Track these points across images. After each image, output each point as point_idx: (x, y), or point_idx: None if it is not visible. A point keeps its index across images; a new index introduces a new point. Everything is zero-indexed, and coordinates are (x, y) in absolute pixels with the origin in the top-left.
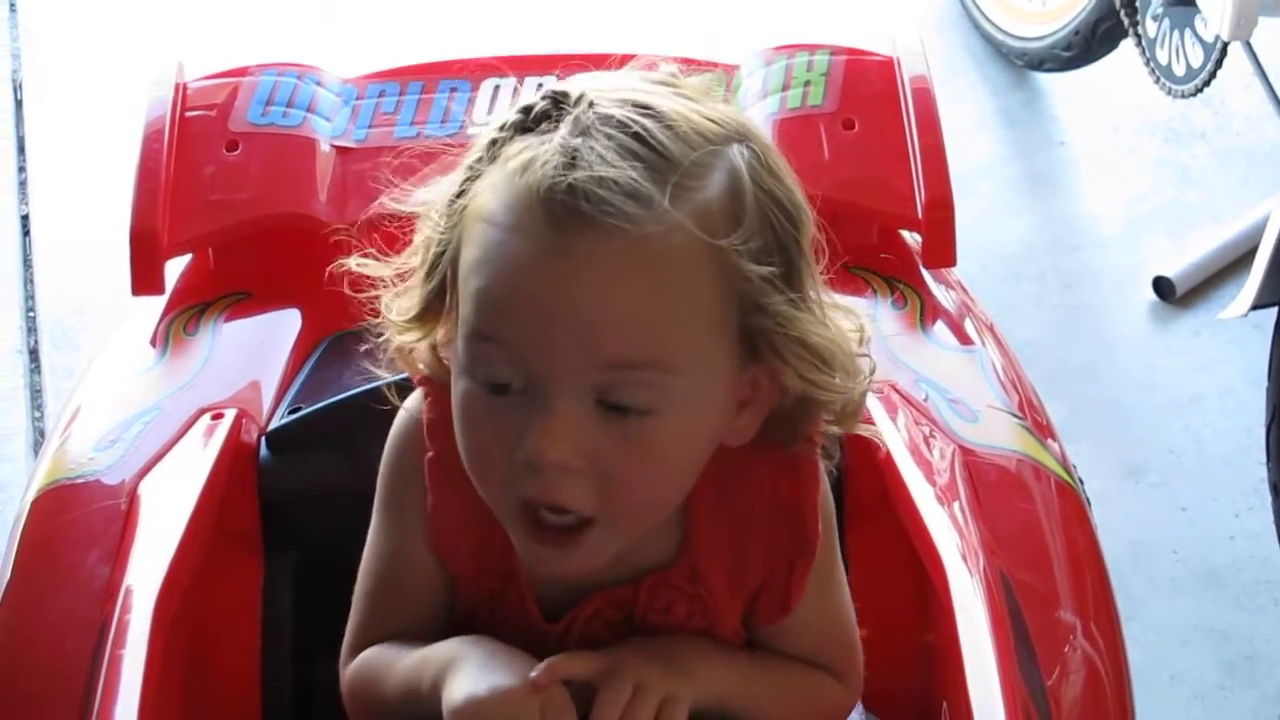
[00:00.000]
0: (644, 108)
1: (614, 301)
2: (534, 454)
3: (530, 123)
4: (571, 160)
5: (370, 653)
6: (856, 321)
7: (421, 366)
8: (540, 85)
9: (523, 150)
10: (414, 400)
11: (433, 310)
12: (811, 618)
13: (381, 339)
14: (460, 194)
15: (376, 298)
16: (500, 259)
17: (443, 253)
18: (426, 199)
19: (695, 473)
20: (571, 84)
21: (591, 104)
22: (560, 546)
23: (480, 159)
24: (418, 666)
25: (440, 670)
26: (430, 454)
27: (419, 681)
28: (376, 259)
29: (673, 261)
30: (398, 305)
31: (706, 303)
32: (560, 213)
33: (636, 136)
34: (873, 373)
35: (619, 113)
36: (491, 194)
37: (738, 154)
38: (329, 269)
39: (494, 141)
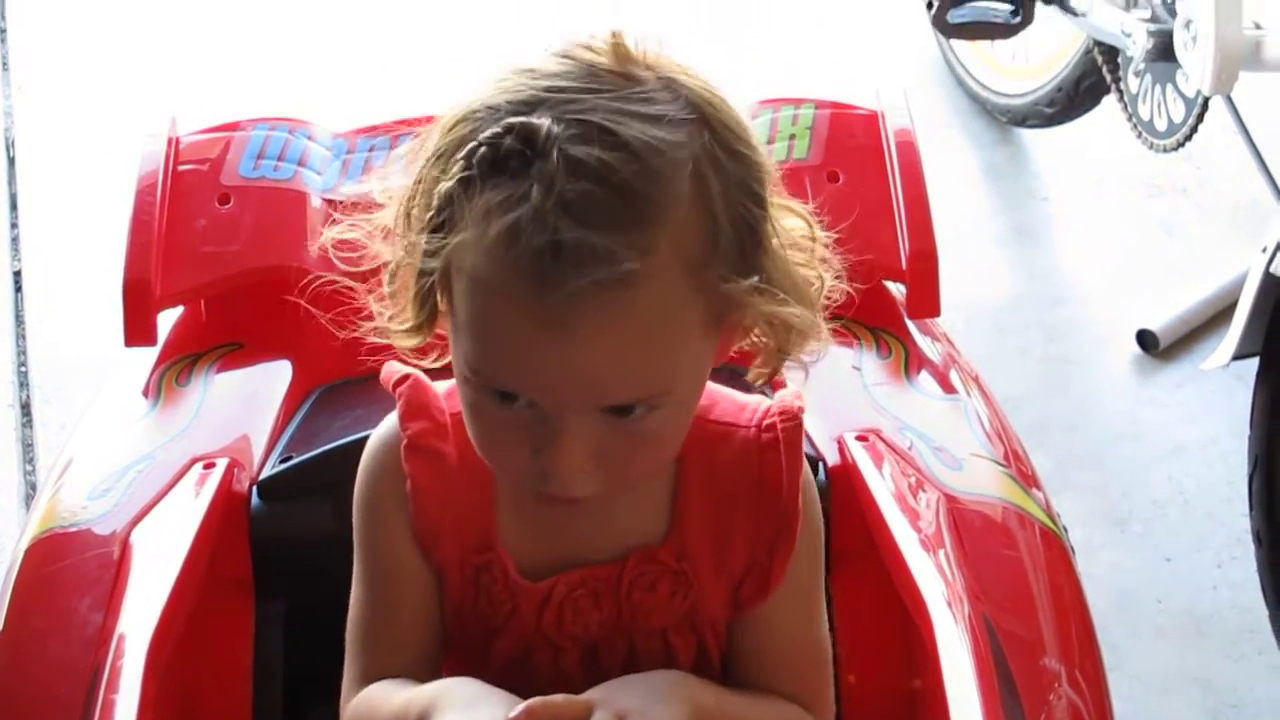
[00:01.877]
0: (609, 140)
1: (612, 353)
2: (550, 469)
3: (500, 162)
4: (556, 247)
5: (364, 693)
6: (804, 226)
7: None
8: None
9: (502, 205)
10: (382, 426)
11: (426, 325)
12: (787, 624)
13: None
14: (438, 229)
15: (360, 338)
16: (496, 326)
17: (430, 282)
18: (383, 218)
19: (689, 424)
20: (535, 114)
21: (559, 149)
22: (569, 504)
23: (453, 195)
24: (402, 709)
25: (427, 707)
26: (405, 440)
27: (405, 718)
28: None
29: (662, 306)
30: (392, 315)
31: (693, 320)
32: (552, 291)
33: (611, 188)
34: (824, 285)
35: (587, 156)
36: (478, 255)
37: (700, 153)
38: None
39: (465, 180)
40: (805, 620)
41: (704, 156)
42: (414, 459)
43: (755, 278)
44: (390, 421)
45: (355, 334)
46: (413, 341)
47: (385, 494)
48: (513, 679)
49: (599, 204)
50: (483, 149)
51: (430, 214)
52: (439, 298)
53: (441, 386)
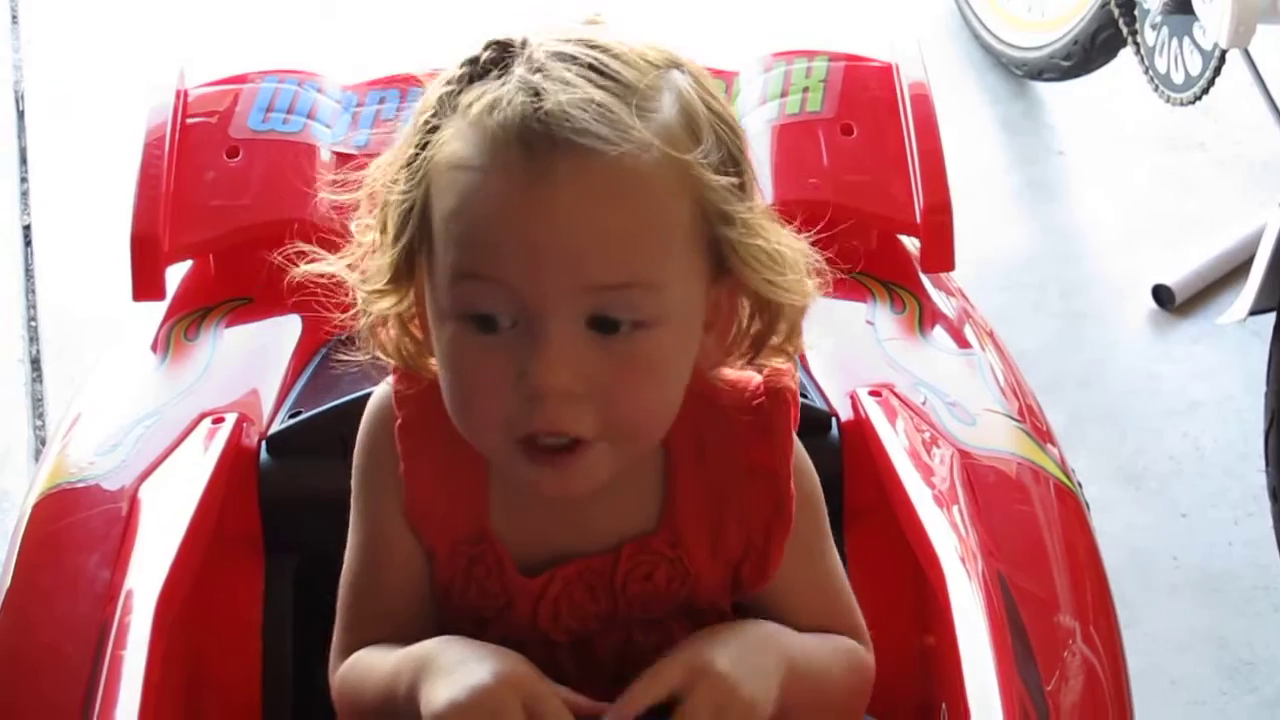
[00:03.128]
0: (587, 42)
1: (597, 223)
2: (536, 384)
3: (479, 71)
4: (537, 93)
5: (353, 659)
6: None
7: (391, 352)
8: None
9: (483, 94)
10: (382, 387)
11: (403, 273)
12: (805, 586)
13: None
14: (419, 151)
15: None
16: (480, 199)
17: (409, 210)
18: (370, 174)
19: (682, 389)
20: (510, 32)
21: (538, 47)
22: (561, 467)
23: (433, 114)
24: (393, 672)
25: (415, 674)
26: (399, 421)
27: (395, 688)
28: (321, 257)
29: (648, 180)
30: (368, 274)
31: (680, 217)
32: (537, 142)
33: (591, 66)
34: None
35: (566, 49)
36: (459, 141)
37: (679, 77)
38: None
39: (446, 95)
40: (820, 576)
41: (683, 81)
42: (408, 440)
43: (737, 181)
44: (386, 391)
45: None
46: (388, 302)
47: (380, 466)
48: None
49: (581, 79)
50: (462, 67)
51: (410, 150)
52: (416, 232)
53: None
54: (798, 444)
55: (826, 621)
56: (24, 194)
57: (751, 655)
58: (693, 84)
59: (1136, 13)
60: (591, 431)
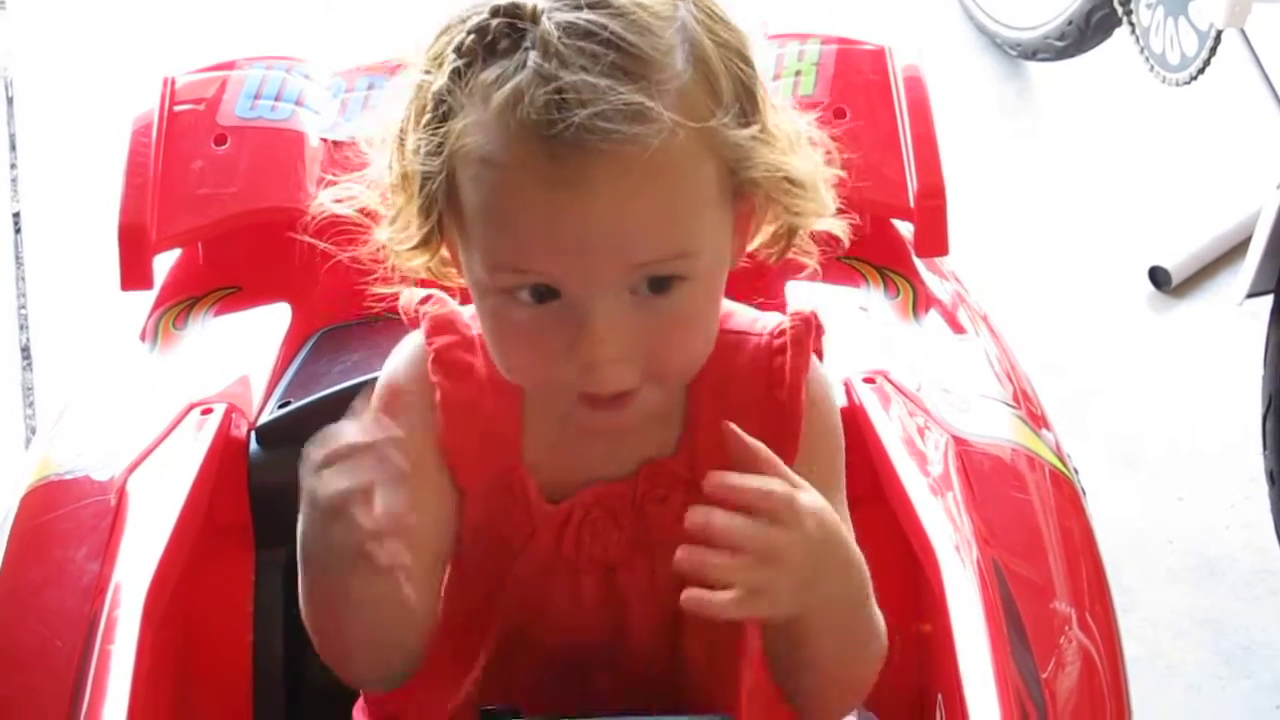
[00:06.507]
0: (596, 5)
1: (634, 215)
2: (587, 357)
3: (490, 44)
4: (559, 93)
5: None
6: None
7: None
8: None
9: (499, 79)
10: (407, 344)
11: (434, 236)
12: None
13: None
14: (437, 124)
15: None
16: (511, 201)
17: (434, 187)
18: (373, 132)
19: (717, 325)
20: None
21: (547, 17)
22: (614, 409)
23: (448, 89)
24: None
25: None
26: (433, 355)
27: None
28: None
29: (677, 161)
30: (393, 236)
31: (709, 180)
32: (565, 151)
33: (607, 44)
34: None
35: (580, 21)
36: (482, 134)
37: (689, 17)
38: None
39: (458, 71)
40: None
41: (690, 19)
42: (442, 371)
43: (757, 127)
44: (413, 340)
45: (359, 278)
46: (420, 259)
47: (411, 403)
48: (529, 601)
49: (596, 56)
50: (471, 36)
51: (427, 116)
52: (444, 207)
53: (465, 310)
54: (822, 378)
55: None
56: (13, 181)
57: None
58: (702, 18)
59: None
60: (639, 381)
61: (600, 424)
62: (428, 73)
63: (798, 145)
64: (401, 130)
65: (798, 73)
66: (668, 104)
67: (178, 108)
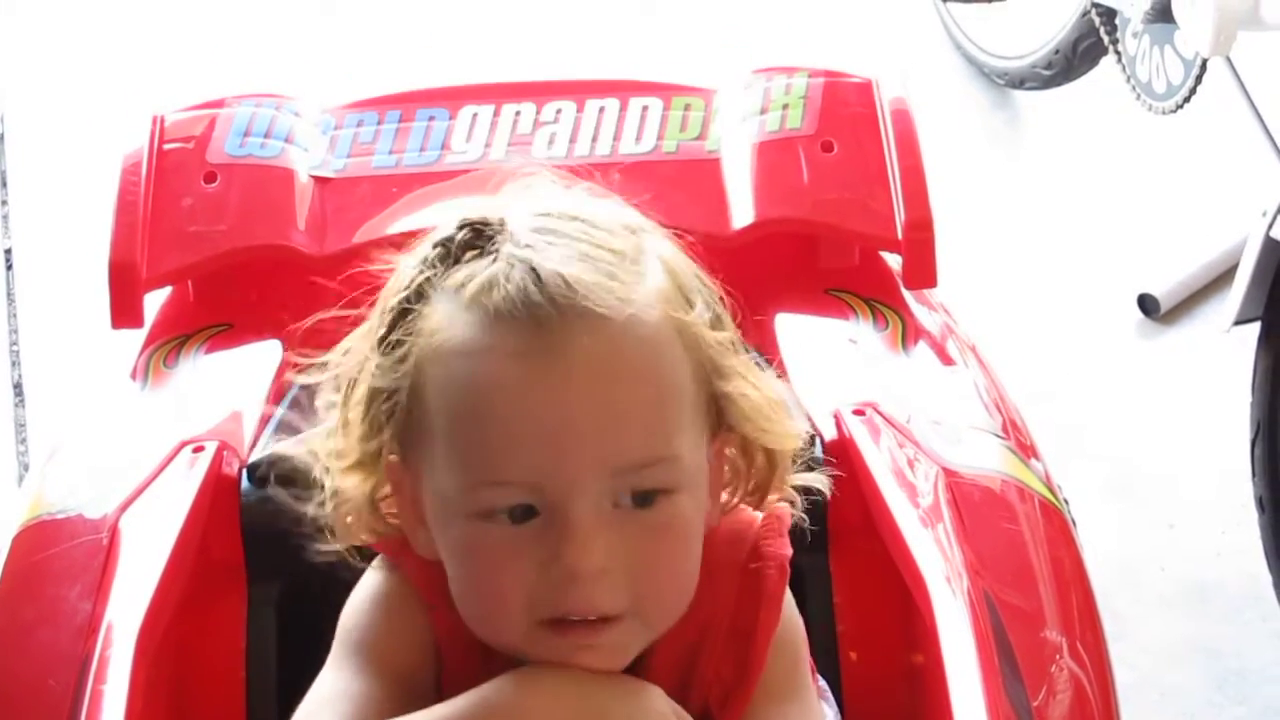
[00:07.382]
0: (566, 215)
1: (614, 398)
2: (570, 568)
3: (455, 253)
4: (534, 267)
5: None
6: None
7: (364, 536)
8: (518, 113)
9: (472, 274)
10: (380, 572)
11: (372, 456)
12: None
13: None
14: (403, 335)
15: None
16: (487, 395)
17: (392, 400)
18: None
19: (701, 551)
20: (482, 210)
21: (518, 220)
22: (593, 637)
23: (412, 299)
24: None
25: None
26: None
27: None
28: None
29: (654, 345)
30: (333, 448)
31: (686, 380)
32: (545, 316)
33: (578, 238)
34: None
35: (548, 223)
36: (457, 325)
37: (655, 241)
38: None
39: (426, 280)
40: (789, 714)
41: (659, 241)
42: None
43: (728, 336)
44: (381, 565)
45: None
46: (353, 479)
47: (403, 627)
48: None
49: (571, 242)
50: (437, 249)
51: (388, 331)
52: (401, 431)
53: None
54: (787, 608)
55: None
56: (4, 217)
57: None
58: (668, 246)
59: (1118, 21)
60: (623, 606)
61: (583, 659)
62: (394, 291)
63: (764, 375)
64: (363, 356)
65: (785, 106)
66: (642, 289)
67: (167, 145)
